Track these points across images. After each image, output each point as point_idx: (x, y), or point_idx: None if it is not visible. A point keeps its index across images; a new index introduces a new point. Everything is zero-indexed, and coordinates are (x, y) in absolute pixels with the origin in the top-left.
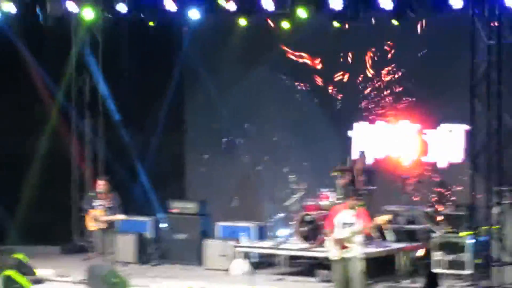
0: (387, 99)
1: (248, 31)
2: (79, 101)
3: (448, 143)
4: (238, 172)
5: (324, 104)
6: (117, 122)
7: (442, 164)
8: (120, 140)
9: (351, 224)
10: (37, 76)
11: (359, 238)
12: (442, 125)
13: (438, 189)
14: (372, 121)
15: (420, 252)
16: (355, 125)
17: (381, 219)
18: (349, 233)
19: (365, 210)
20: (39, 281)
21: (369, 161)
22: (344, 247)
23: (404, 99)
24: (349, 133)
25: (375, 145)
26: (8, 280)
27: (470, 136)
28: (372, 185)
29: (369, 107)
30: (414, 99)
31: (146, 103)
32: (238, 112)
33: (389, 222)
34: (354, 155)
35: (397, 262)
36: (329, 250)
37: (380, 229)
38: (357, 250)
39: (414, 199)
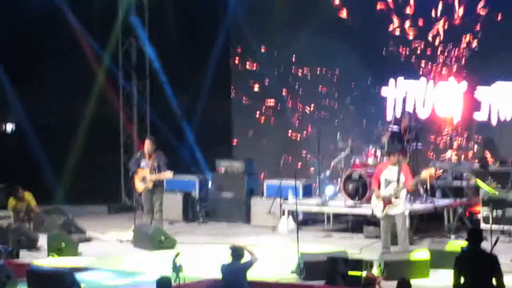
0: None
1: None
2: (126, 64)
3: (502, 101)
4: (285, 132)
5: (370, 57)
6: (164, 84)
7: (493, 121)
8: (167, 102)
9: (395, 181)
10: (84, 40)
11: (403, 194)
12: (498, 82)
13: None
14: (415, 77)
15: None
16: (391, 81)
17: (425, 173)
18: (392, 190)
19: (408, 167)
20: (87, 239)
21: (415, 119)
22: (388, 204)
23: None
24: (383, 91)
25: (420, 103)
26: (55, 238)
27: None
28: (418, 143)
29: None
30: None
31: (193, 65)
32: (285, 74)
33: (433, 176)
34: (389, 113)
35: (444, 218)
36: (375, 208)
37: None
38: (402, 207)
39: (462, 156)
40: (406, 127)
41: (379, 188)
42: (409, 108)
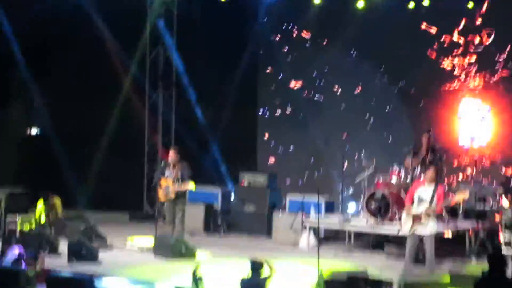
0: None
1: (324, 5)
2: (153, 73)
3: None
4: (309, 147)
5: (395, 80)
6: (190, 95)
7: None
8: (192, 112)
9: (427, 200)
10: (111, 47)
11: (433, 215)
12: None
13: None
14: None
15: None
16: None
17: (459, 196)
18: (424, 209)
19: (443, 188)
20: (108, 247)
21: (436, 140)
22: (418, 222)
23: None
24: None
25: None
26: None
27: None
28: (440, 164)
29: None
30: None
31: (220, 77)
32: (311, 88)
33: (465, 200)
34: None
35: (466, 241)
36: (404, 224)
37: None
38: (431, 227)
39: (484, 179)
40: (428, 147)
41: (411, 204)
42: (430, 128)
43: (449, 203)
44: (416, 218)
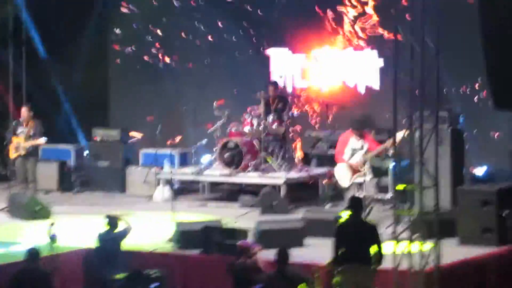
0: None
1: None
2: (2, 32)
3: (367, 68)
4: (162, 100)
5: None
6: (40, 52)
7: (361, 89)
8: (43, 70)
9: (360, 149)
10: None
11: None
12: (366, 50)
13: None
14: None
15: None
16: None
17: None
18: (362, 157)
19: (370, 134)
20: None
21: (283, 88)
22: (356, 172)
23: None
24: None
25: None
26: None
27: (394, 61)
28: (289, 112)
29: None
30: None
31: (71, 32)
32: (164, 39)
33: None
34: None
35: (319, 186)
36: (341, 178)
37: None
38: (369, 174)
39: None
40: (274, 96)
41: (343, 156)
42: (276, 77)
43: (384, 147)
44: (353, 168)
